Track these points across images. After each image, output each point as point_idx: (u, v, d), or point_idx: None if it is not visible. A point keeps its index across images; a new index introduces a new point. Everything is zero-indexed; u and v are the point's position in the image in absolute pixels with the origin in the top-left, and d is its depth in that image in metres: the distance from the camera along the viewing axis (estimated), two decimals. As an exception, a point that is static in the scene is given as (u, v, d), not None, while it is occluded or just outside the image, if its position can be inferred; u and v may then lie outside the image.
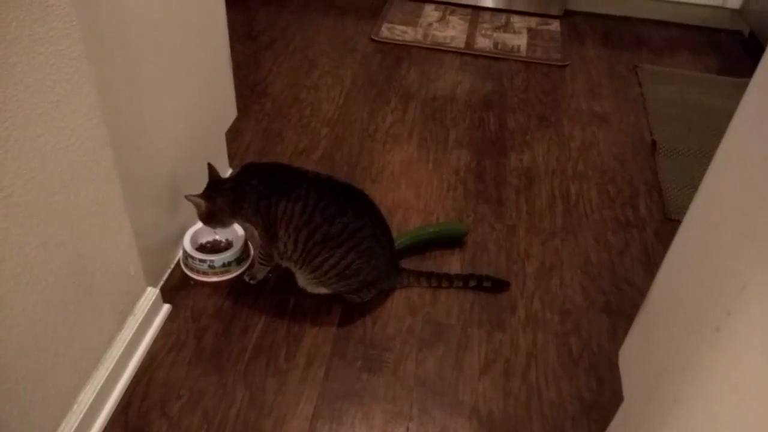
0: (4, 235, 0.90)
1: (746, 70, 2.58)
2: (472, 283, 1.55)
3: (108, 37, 1.12)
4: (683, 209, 1.84)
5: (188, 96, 1.51)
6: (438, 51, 2.56)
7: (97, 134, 1.08)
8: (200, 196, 1.43)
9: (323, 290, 1.47)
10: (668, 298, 1.05)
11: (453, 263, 1.64)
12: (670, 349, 0.96)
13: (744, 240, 0.79)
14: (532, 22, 2.79)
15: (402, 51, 2.55)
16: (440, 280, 1.56)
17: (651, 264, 1.68)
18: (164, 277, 1.53)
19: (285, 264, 1.46)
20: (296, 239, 1.37)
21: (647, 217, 1.84)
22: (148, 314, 1.36)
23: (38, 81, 0.91)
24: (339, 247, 1.36)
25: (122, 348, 1.27)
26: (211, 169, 1.47)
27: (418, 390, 1.34)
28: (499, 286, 1.56)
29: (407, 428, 1.28)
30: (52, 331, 1.05)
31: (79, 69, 1.00)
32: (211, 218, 1.45)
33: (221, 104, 1.77)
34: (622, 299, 1.58)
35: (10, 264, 0.92)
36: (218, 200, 1.42)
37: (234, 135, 1.97)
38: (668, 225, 1.80)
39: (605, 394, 1.36)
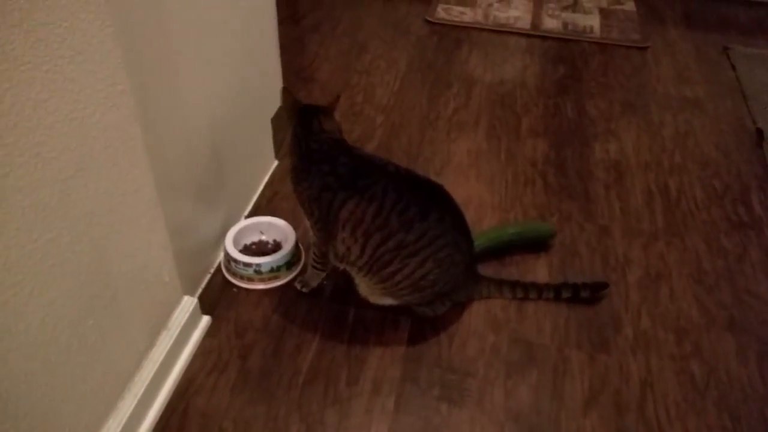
0: (35, 255, 0.68)
1: None
2: (566, 294, 1.30)
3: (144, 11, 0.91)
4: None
5: (231, 77, 1.30)
6: (501, 33, 2.30)
7: (122, 104, 0.86)
8: (290, 102, 1.20)
9: (389, 301, 1.23)
10: None
11: (539, 270, 1.39)
12: None
13: None
14: (603, 1, 2.51)
15: (461, 33, 2.30)
16: (527, 291, 1.30)
17: (776, 272, 1.41)
18: (203, 285, 1.31)
19: (344, 267, 1.22)
20: (364, 244, 1.13)
21: (763, 216, 1.55)
22: (184, 329, 1.14)
23: (44, 27, 0.70)
24: (415, 255, 1.12)
25: (154, 370, 1.05)
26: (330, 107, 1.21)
27: (511, 426, 1.09)
28: (597, 290, 1.30)
29: (500, 475, 1.03)
30: (65, 353, 0.84)
31: (99, 18, 0.78)
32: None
33: (267, 88, 1.55)
34: (746, 314, 1.31)
35: (7, 268, 0.70)
36: (292, 131, 1.19)
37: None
38: (790, 225, 1.52)
39: (746, 435, 1.09)
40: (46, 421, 0.82)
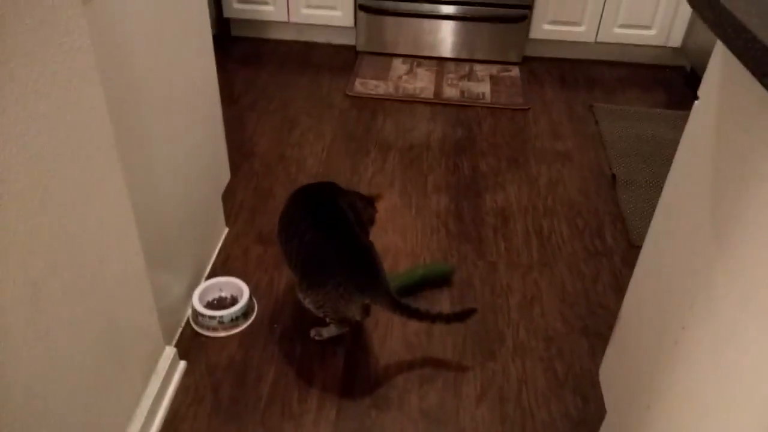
0: (57, 309, 1.02)
1: (690, 103, 2.80)
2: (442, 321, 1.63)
3: (125, 119, 1.27)
4: (645, 236, 2.03)
5: (191, 163, 1.65)
6: (410, 102, 2.75)
7: (125, 209, 1.21)
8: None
9: (310, 305, 1.54)
10: (635, 318, 1.21)
11: (443, 301, 1.79)
12: (641, 363, 1.11)
13: (691, 262, 0.95)
14: (494, 69, 3.01)
15: (376, 104, 2.73)
16: (422, 317, 1.62)
17: (620, 288, 1.85)
18: (177, 336, 1.64)
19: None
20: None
21: (614, 246, 2.01)
22: (168, 372, 1.47)
23: (72, 161, 1.05)
24: (285, 230, 1.56)
25: (149, 405, 1.38)
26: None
27: (423, 421, 1.47)
28: (466, 316, 1.58)
29: (416, 457, 1.40)
30: (93, 392, 1.16)
31: (110, 150, 1.14)
32: None
33: (217, 168, 1.91)
34: (597, 322, 1.74)
35: (59, 334, 1.04)
36: None
37: (227, 195, 2.10)
38: (633, 251, 1.98)
39: (590, 410, 1.50)
40: (81, 444, 1.14)
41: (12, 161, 0.88)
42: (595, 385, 1.57)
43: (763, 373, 0.73)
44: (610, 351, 1.38)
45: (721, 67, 0.95)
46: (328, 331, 1.63)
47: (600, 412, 1.46)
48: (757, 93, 0.79)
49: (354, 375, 1.57)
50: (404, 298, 1.76)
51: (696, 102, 1.07)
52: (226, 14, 3.13)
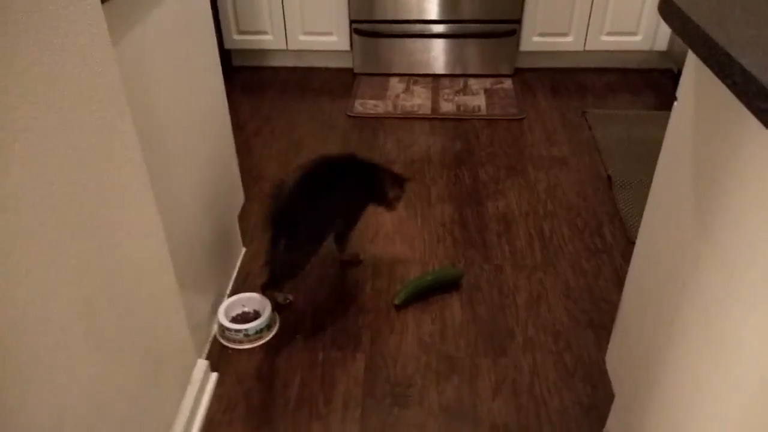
0: (107, 323, 1.12)
1: (678, 103, 2.93)
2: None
3: (151, 151, 1.38)
4: (642, 232, 2.14)
5: (209, 189, 1.76)
6: (408, 119, 2.86)
7: (158, 234, 1.31)
8: None
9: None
10: (634, 305, 1.31)
11: (453, 305, 1.88)
12: (642, 346, 1.21)
13: (679, 249, 1.05)
14: (487, 82, 3.13)
15: (377, 123, 2.85)
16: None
17: (621, 282, 1.94)
18: (206, 350, 1.74)
19: None
20: None
21: (613, 243, 2.11)
22: (202, 382, 1.56)
23: (112, 191, 1.16)
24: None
25: (187, 415, 1.47)
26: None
27: (443, 416, 1.56)
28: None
29: (439, 449, 1.49)
30: (138, 402, 1.26)
31: (145, 181, 1.25)
32: None
33: (233, 192, 2.02)
34: (601, 315, 1.84)
35: (110, 347, 1.14)
36: None
37: (242, 217, 2.20)
38: (631, 247, 2.07)
39: (600, 396, 1.60)
40: (130, 450, 1.23)
41: (63, 193, 0.98)
42: (603, 372, 1.66)
43: (745, 343, 0.83)
44: (614, 338, 1.48)
45: (695, 70, 1.06)
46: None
47: (609, 397, 1.55)
48: (725, 94, 0.90)
49: (374, 376, 1.66)
50: (416, 304, 1.87)
51: (675, 103, 1.18)
52: (227, 45, 3.26)
